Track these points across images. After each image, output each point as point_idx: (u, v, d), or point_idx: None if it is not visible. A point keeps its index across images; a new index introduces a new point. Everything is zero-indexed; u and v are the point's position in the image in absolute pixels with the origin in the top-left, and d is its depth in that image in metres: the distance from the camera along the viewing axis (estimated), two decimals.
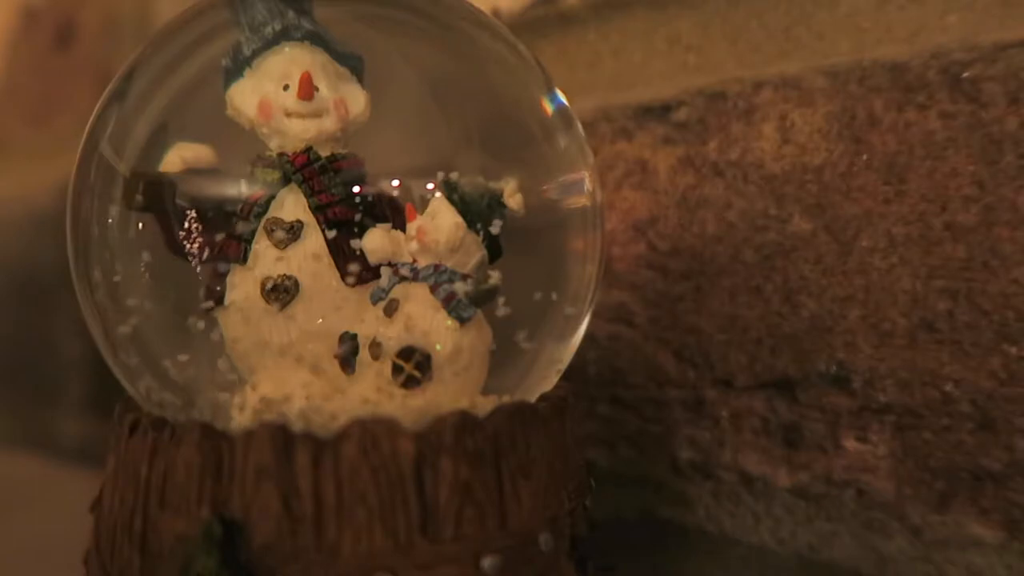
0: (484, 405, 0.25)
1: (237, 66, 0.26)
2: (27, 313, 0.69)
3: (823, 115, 0.33)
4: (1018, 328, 0.28)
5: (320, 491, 0.22)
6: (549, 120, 0.28)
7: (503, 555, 0.23)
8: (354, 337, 0.25)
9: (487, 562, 0.23)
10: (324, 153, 0.25)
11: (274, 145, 0.26)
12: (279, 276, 0.25)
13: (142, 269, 0.26)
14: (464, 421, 0.23)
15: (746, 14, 0.35)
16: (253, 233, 0.25)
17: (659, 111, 0.37)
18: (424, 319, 0.24)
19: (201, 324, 0.25)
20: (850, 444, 0.32)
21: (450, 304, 0.24)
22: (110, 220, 0.26)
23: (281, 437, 0.22)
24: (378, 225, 0.25)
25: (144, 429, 0.24)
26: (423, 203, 0.25)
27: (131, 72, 0.27)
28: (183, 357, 0.26)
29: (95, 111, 0.28)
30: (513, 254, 0.26)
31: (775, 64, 0.34)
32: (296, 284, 0.25)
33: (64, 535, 0.31)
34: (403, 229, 0.25)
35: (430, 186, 0.25)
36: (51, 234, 0.64)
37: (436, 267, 0.25)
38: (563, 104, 0.29)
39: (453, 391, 0.25)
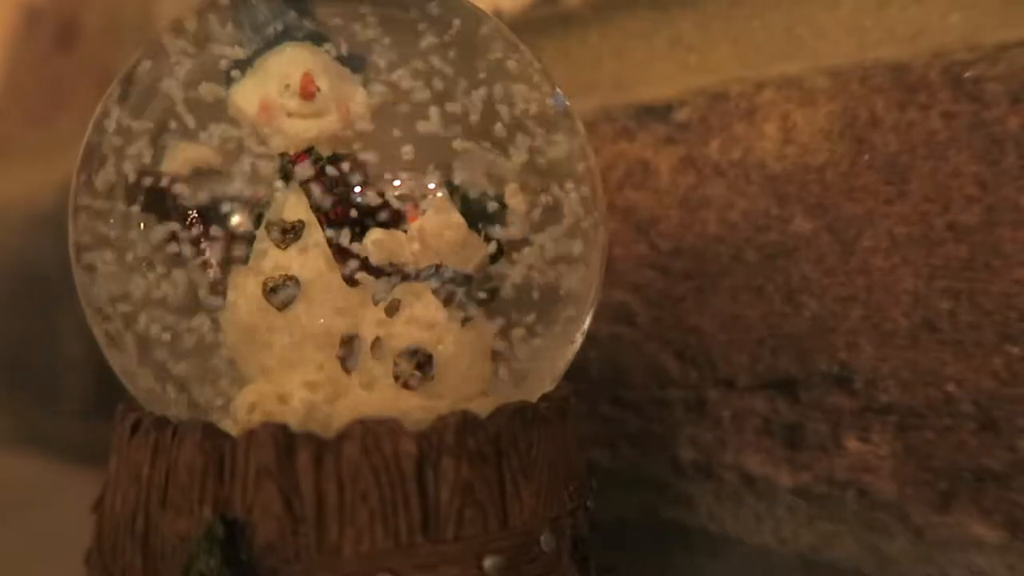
0: (485, 405, 0.25)
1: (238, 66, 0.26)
2: (28, 313, 0.69)
3: (825, 115, 0.33)
4: (1020, 328, 0.28)
5: (321, 491, 0.22)
6: (550, 120, 0.28)
7: (505, 555, 0.23)
8: (355, 337, 0.25)
9: (489, 562, 0.23)
10: (325, 153, 0.25)
11: (275, 145, 0.26)
12: (280, 276, 0.25)
13: (143, 269, 0.26)
14: (466, 421, 0.23)
15: (748, 14, 0.35)
16: (254, 233, 0.25)
17: (661, 111, 0.37)
18: (426, 319, 0.24)
19: (202, 324, 0.25)
20: (852, 444, 0.32)
21: (451, 304, 0.24)
22: (111, 220, 0.26)
23: (282, 437, 0.22)
24: (379, 225, 0.25)
25: (146, 429, 0.24)
26: (424, 203, 0.25)
27: (133, 72, 0.27)
28: (184, 357, 0.26)
29: (96, 111, 0.28)
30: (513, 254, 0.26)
31: (777, 64, 0.34)
32: (297, 284, 0.25)
33: (65, 535, 0.31)
34: (405, 229, 0.25)
35: (431, 186, 0.25)
36: (52, 234, 0.64)
37: (437, 267, 0.25)
38: (564, 104, 0.29)
39: (455, 391, 0.25)
